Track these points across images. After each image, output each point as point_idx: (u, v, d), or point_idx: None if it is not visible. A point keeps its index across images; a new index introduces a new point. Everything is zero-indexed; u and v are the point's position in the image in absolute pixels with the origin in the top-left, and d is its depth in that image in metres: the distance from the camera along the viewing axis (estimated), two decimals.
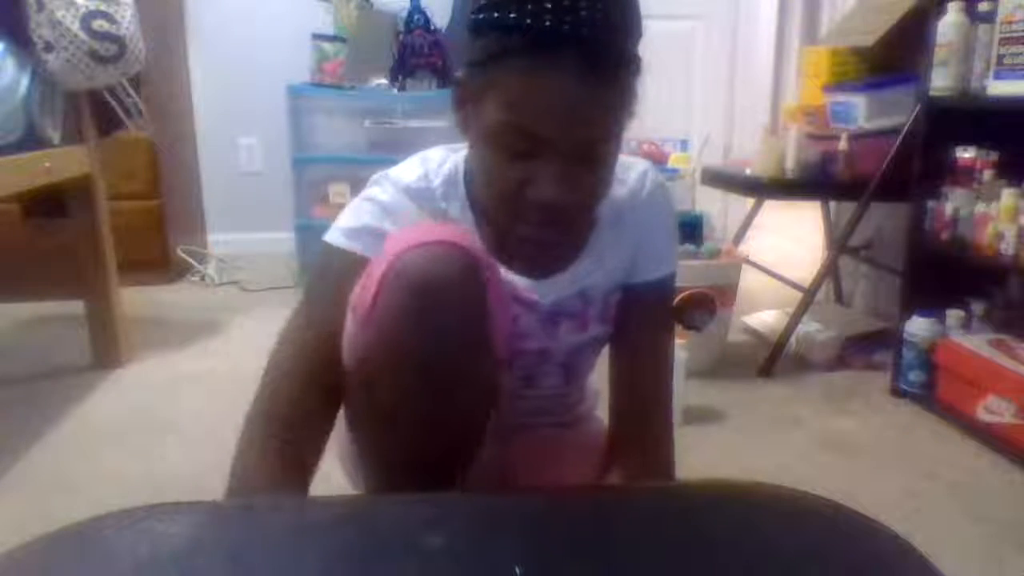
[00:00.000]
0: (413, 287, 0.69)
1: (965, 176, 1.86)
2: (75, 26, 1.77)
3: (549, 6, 0.68)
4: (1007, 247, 1.70)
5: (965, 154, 1.87)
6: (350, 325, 0.74)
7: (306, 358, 0.79)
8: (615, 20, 0.71)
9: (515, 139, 0.72)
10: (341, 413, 0.81)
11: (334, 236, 0.82)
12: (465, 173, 0.86)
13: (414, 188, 0.84)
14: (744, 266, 2.28)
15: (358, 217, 0.82)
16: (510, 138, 0.72)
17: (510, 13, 0.69)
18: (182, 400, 1.91)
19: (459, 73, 0.78)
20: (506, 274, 0.85)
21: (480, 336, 0.73)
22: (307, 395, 0.78)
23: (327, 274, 0.81)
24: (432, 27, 3.04)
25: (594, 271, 0.89)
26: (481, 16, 0.73)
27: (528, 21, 0.68)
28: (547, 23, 0.68)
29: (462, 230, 0.78)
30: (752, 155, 2.41)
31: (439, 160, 0.87)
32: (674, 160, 2.31)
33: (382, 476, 0.80)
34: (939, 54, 1.82)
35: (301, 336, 0.80)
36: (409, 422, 0.74)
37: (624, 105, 0.74)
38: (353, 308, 0.74)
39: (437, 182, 0.85)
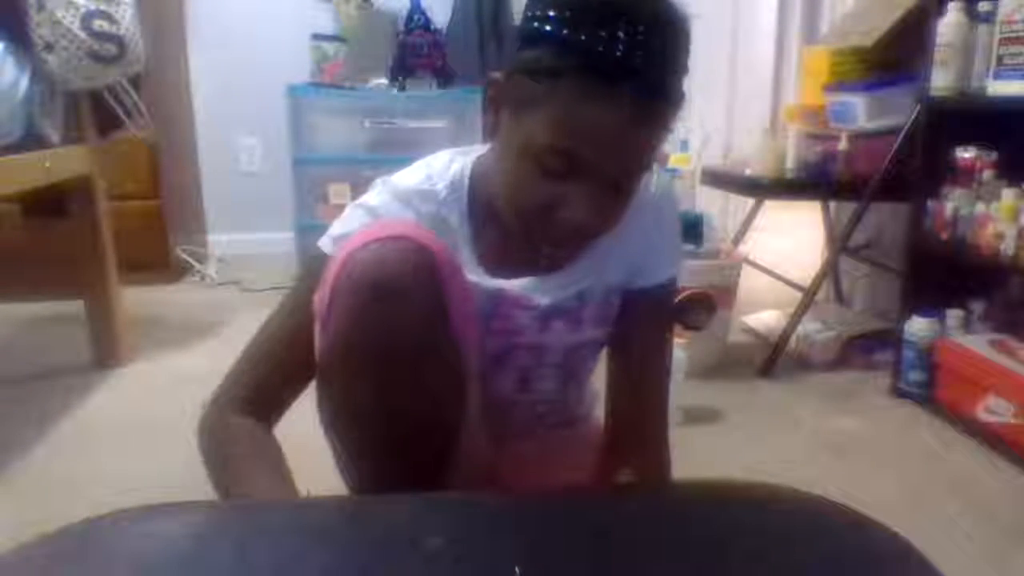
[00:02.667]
0: (362, 284, 0.69)
1: (965, 176, 1.86)
2: (75, 26, 1.77)
3: (623, 36, 0.66)
4: (1007, 247, 1.70)
5: (965, 154, 1.87)
6: (316, 329, 0.75)
7: (275, 356, 0.82)
8: (675, 58, 0.71)
9: (558, 160, 0.71)
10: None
11: (324, 242, 0.83)
12: (471, 178, 0.85)
13: (415, 191, 0.83)
14: (744, 266, 2.28)
15: (346, 223, 0.82)
16: (553, 158, 0.71)
17: (581, 34, 0.67)
18: (182, 400, 1.90)
19: (497, 74, 0.76)
20: (500, 277, 0.85)
21: (436, 327, 0.72)
22: (274, 393, 0.83)
23: (307, 278, 0.81)
24: (432, 27, 3.04)
25: (592, 274, 0.88)
26: (545, 28, 0.70)
27: (601, 48, 0.67)
28: (619, 54, 0.67)
29: (418, 226, 0.77)
30: (752, 155, 2.41)
31: (445, 163, 0.86)
32: (674, 160, 2.31)
33: (359, 478, 0.79)
34: (939, 54, 1.82)
35: (273, 333, 0.84)
36: (371, 420, 0.74)
37: (664, 139, 0.75)
38: (316, 312, 0.74)
39: (441, 185, 0.84)
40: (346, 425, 0.76)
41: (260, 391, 0.83)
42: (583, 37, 0.67)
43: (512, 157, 0.75)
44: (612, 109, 0.68)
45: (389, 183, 0.84)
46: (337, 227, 0.83)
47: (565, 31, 0.68)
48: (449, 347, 0.74)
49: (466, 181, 0.85)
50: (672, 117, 0.73)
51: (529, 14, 0.72)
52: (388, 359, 0.70)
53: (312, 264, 0.82)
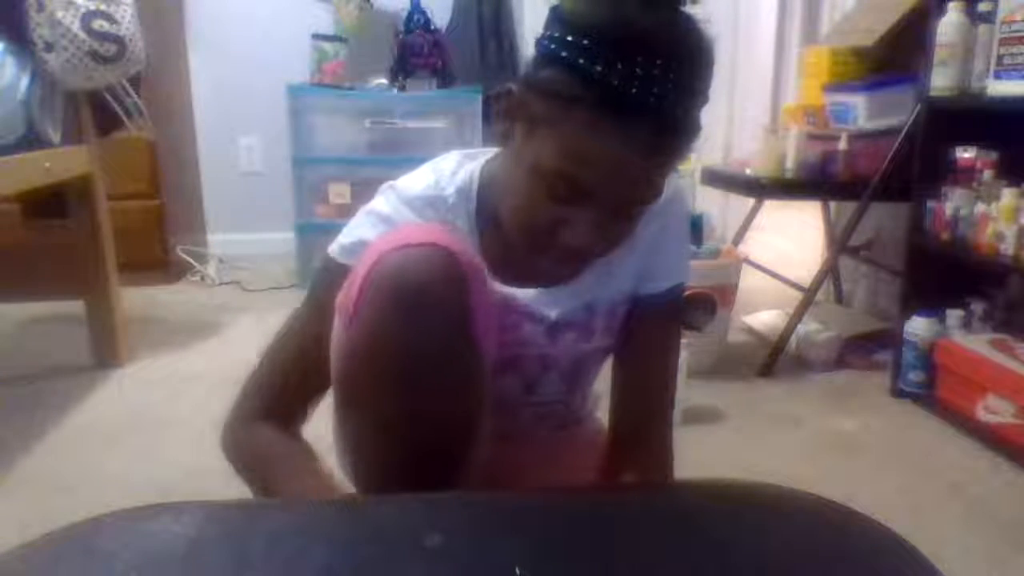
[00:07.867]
0: (392, 288, 0.69)
1: (965, 176, 1.86)
2: (75, 26, 1.77)
3: (639, 71, 0.65)
4: (1007, 247, 1.70)
5: (965, 154, 1.87)
6: (337, 327, 0.75)
7: (295, 367, 0.84)
8: (692, 91, 0.69)
9: (565, 185, 0.71)
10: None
11: (335, 248, 0.83)
12: (480, 185, 0.84)
13: (422, 197, 0.83)
14: (744, 266, 2.28)
15: (356, 231, 0.82)
16: (560, 183, 0.71)
17: (598, 65, 0.66)
18: (182, 400, 1.91)
19: (512, 86, 0.76)
20: (509, 287, 0.85)
21: (462, 336, 0.72)
22: (296, 403, 0.85)
23: (320, 288, 0.82)
24: (432, 27, 3.05)
25: (602, 284, 0.88)
26: (562, 52, 0.69)
27: (615, 83, 0.66)
28: (634, 91, 0.66)
29: (447, 231, 0.77)
30: (752, 155, 2.41)
31: (452, 168, 0.85)
32: None
33: (373, 478, 0.79)
34: (939, 54, 1.82)
35: (290, 343, 0.85)
36: (392, 422, 0.74)
37: (676, 168, 0.75)
38: (338, 310, 0.74)
39: (450, 190, 0.84)
40: (367, 428, 0.76)
41: (282, 401, 0.84)
42: (599, 68, 0.66)
43: (520, 173, 0.75)
44: (623, 143, 0.68)
45: (397, 189, 0.84)
46: (348, 234, 0.82)
47: (582, 60, 0.67)
48: (473, 353, 0.74)
49: (475, 187, 0.84)
50: (686, 148, 0.72)
51: (549, 33, 0.71)
52: (415, 364, 0.70)
53: (325, 272, 0.82)
